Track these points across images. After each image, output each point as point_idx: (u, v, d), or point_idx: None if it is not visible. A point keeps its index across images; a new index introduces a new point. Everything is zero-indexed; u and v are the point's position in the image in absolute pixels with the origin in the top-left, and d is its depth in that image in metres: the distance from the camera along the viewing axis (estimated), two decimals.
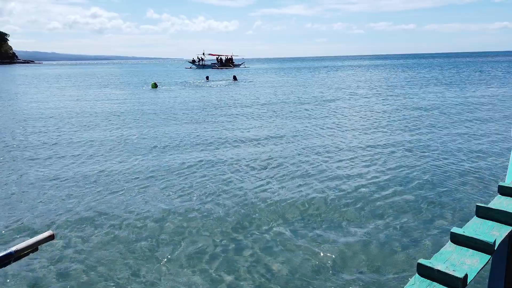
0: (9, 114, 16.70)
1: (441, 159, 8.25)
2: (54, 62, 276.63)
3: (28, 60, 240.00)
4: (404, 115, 14.23)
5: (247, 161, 8.37)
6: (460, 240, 2.02)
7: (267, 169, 7.77)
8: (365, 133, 11.11)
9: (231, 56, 76.97)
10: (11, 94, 27.05)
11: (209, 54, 75.39)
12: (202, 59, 74.24)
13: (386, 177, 7.11)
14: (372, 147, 9.47)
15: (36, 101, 22.24)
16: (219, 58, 75.00)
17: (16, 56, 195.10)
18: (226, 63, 74.26)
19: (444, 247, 2.02)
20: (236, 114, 15.33)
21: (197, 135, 11.27)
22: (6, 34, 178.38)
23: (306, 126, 12.37)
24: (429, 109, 15.55)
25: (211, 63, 73.56)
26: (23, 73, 73.88)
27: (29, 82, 42.93)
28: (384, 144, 9.75)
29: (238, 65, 76.44)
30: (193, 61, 75.90)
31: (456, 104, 16.66)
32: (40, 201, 6.23)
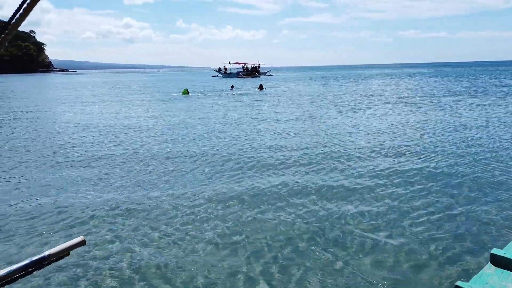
0: (53, 120, 17.40)
1: (484, 175, 7.79)
2: (87, 71, 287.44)
3: (63, 68, 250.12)
4: (446, 126, 13.70)
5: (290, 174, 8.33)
6: (501, 262, 1.89)
7: (309, 183, 7.70)
8: (408, 145, 10.82)
9: (258, 64, 77.47)
10: (56, 101, 28.28)
11: (235, 63, 76.23)
12: (225, 68, 75.41)
13: (427, 191, 6.88)
14: (414, 159, 9.20)
15: (78, 111, 23.10)
16: (245, 66, 75.62)
17: (52, 65, 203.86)
18: (252, 71, 74.78)
19: (483, 268, 1.90)
20: (268, 125, 15.33)
21: (237, 148, 11.33)
22: (43, 44, 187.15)
23: (347, 138, 12.11)
24: (469, 119, 15.00)
25: (237, 72, 74.24)
26: (61, 81, 77.00)
27: (69, 90, 44.73)
28: (428, 157, 9.45)
29: (264, 74, 76.78)
30: (219, 70, 76.99)
31: (496, 113, 16.04)
32: (74, 206, 6.40)
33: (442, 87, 33.94)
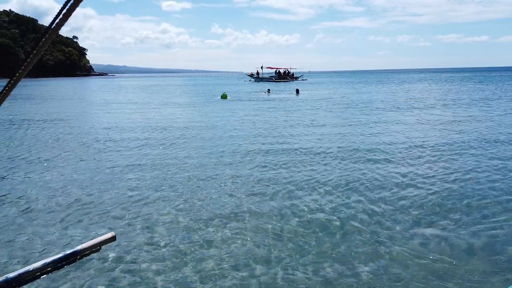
0: (94, 121, 18.17)
1: None
2: (125, 75, 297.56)
3: (102, 72, 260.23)
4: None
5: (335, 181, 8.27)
6: None
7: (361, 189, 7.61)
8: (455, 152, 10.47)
9: (290, 69, 77.54)
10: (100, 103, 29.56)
11: (268, 67, 76.80)
12: (258, 73, 76.10)
13: (462, 200, 6.63)
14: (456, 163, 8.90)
15: (125, 111, 24.01)
16: (277, 71, 75.85)
17: (92, 69, 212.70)
18: (284, 76, 74.89)
19: None
20: (307, 129, 15.26)
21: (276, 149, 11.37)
22: (84, 49, 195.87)
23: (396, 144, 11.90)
24: None
25: (269, 76, 74.64)
26: (108, 84, 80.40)
27: (118, 91, 46.66)
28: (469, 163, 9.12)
29: (296, 78, 76.65)
30: (251, 75, 77.83)
31: None
32: (108, 204, 6.62)
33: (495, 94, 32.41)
